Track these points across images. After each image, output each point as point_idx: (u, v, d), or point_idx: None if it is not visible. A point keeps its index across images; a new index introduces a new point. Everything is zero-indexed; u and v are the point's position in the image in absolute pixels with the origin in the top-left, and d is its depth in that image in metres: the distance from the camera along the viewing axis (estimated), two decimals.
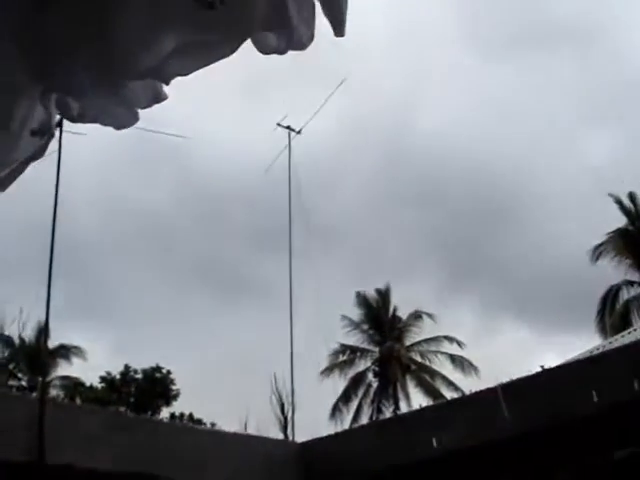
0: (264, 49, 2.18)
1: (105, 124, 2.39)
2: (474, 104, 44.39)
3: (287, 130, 18.77)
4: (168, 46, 2.04)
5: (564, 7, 42.11)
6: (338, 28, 2.12)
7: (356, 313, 36.94)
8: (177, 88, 2.34)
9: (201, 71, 2.25)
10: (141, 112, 2.43)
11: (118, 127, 2.43)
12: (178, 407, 33.77)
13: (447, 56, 44.54)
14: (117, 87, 2.20)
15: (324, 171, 39.19)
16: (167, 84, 2.29)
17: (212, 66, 2.23)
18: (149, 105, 2.35)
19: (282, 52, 2.19)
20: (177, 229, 43.89)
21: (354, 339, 36.48)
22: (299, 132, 18.78)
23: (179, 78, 2.30)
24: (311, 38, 2.18)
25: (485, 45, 47.13)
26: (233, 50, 2.15)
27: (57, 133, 10.62)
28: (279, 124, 18.74)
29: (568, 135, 45.82)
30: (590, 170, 44.19)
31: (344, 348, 35.85)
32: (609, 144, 46.04)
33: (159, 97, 2.35)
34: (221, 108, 41.12)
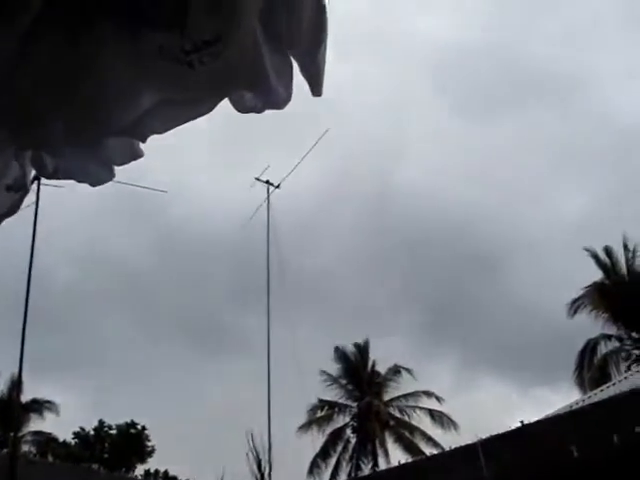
0: (241, 108, 2.18)
1: (80, 181, 2.38)
2: (454, 158, 45.09)
3: (266, 185, 18.84)
4: (145, 104, 2.04)
5: (539, 66, 43.15)
6: (315, 88, 2.14)
7: (335, 368, 36.72)
8: (156, 142, 2.34)
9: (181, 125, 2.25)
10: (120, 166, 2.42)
11: (94, 184, 2.42)
12: (153, 464, 33.16)
13: (427, 113, 45.32)
14: (93, 144, 2.19)
15: (304, 225, 39.43)
16: (144, 142, 2.29)
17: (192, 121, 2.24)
18: (125, 162, 2.34)
19: (259, 111, 2.20)
20: (156, 283, 43.75)
21: (333, 394, 36.19)
22: (278, 187, 18.86)
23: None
24: (288, 98, 2.19)
25: (464, 102, 48.06)
26: (211, 109, 2.15)
27: (35, 186, 10.60)
28: (258, 178, 18.83)
29: (546, 191, 46.52)
30: (567, 224, 44.76)
31: (323, 403, 35.52)
32: (587, 199, 46.78)
33: (135, 154, 2.35)
34: (200, 162, 41.44)
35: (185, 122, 2.20)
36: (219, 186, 40.47)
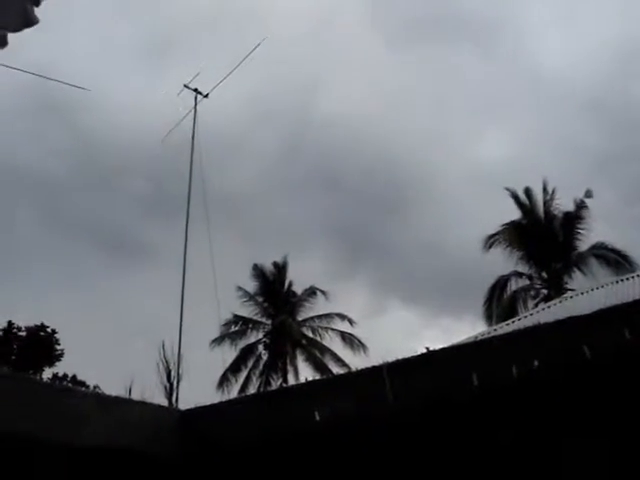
0: None
1: None
2: (376, 91, 44.94)
3: (194, 92, 18.44)
4: None
5: (467, 6, 42.96)
6: None
7: (252, 285, 36.93)
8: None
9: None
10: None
11: None
12: (62, 368, 32.98)
13: (352, 43, 44.75)
14: None
15: (228, 140, 38.87)
16: (37, 5, 2.10)
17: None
18: (18, 28, 2.15)
19: None
20: (68, 190, 42.67)
21: (248, 311, 36.52)
22: (206, 96, 18.49)
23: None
24: None
25: (390, 34, 47.62)
26: None
27: None
28: (186, 85, 18.39)
29: (468, 128, 47.02)
30: (489, 163, 45.51)
31: (237, 319, 35.86)
32: (508, 138, 47.55)
33: (29, 19, 2.15)
34: (126, 66, 40.10)
35: None
36: (142, 93, 39.31)
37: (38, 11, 2.11)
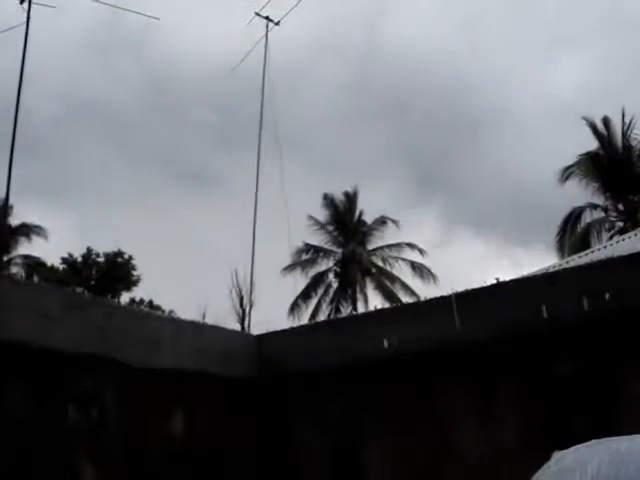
0: None
1: None
2: (445, 18, 43.60)
3: (265, 20, 18.25)
4: None
5: None
6: None
7: (323, 214, 37.12)
8: None
9: None
10: None
11: None
12: (138, 293, 34.03)
13: None
14: None
15: (296, 69, 38.51)
16: None
17: None
18: None
19: None
20: (137, 118, 43.04)
21: (319, 239, 36.81)
22: (277, 23, 18.27)
23: None
24: None
25: None
26: None
27: (25, 6, 10.19)
28: (257, 13, 18.18)
29: (543, 56, 45.44)
30: (564, 91, 44.07)
31: (308, 247, 36.24)
32: (585, 66, 45.86)
33: None
34: None
35: None
36: (210, 23, 39.02)
37: None
